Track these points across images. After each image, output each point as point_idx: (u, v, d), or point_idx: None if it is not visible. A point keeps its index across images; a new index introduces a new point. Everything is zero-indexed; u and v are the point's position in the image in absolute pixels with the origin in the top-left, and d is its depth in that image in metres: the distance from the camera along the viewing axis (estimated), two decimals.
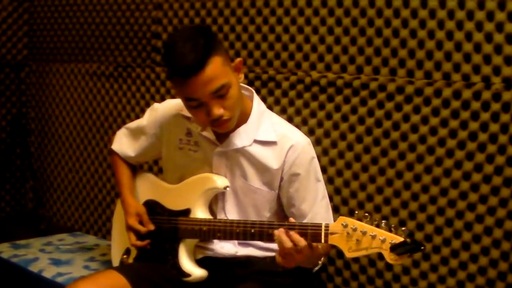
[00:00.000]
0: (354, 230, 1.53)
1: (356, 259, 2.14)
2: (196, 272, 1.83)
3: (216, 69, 1.65)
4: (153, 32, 2.69)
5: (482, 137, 1.88)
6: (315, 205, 1.84)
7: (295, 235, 1.59)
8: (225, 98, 1.68)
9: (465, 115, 1.90)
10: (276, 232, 1.62)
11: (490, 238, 1.89)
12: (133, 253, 1.99)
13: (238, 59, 1.77)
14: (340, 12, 2.12)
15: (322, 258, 1.75)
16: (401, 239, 1.48)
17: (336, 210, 2.17)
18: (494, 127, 1.86)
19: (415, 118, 1.99)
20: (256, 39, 2.35)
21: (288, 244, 1.59)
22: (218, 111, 1.68)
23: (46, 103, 3.20)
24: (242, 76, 1.78)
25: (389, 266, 2.07)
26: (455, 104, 1.91)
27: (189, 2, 2.54)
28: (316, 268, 1.74)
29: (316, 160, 1.87)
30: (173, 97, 2.59)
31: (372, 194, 2.10)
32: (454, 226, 1.95)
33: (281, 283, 1.83)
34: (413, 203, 2.02)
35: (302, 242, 1.58)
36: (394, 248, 1.47)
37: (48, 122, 3.20)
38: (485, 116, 1.87)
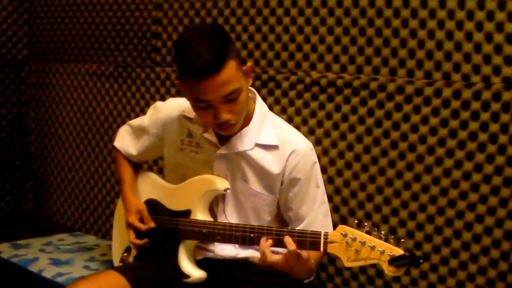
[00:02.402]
0: (353, 240, 1.53)
1: None
2: (196, 273, 1.82)
3: (231, 73, 1.63)
4: (153, 32, 2.69)
5: (482, 137, 1.88)
6: (313, 210, 1.83)
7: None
8: (234, 103, 1.67)
9: (465, 115, 1.90)
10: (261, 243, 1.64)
11: (490, 238, 1.89)
12: (134, 251, 1.99)
13: (249, 64, 1.74)
14: (340, 12, 2.12)
15: (314, 274, 1.75)
16: (400, 251, 1.48)
17: (336, 210, 2.17)
18: (494, 127, 1.86)
19: (415, 118, 1.99)
20: (256, 39, 2.35)
21: (269, 258, 1.62)
22: (226, 115, 1.67)
23: (46, 103, 3.20)
24: (251, 81, 1.76)
25: None
26: (455, 104, 1.91)
27: (189, 2, 2.54)
28: (307, 281, 1.74)
29: (317, 166, 1.86)
30: (173, 96, 2.59)
31: (372, 194, 2.10)
32: (454, 226, 1.95)
33: (281, 284, 1.83)
34: (413, 203, 2.02)
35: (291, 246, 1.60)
36: (392, 261, 1.47)
37: (48, 122, 3.20)
38: (485, 116, 1.87)
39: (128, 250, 2.01)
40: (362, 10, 2.07)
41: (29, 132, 3.29)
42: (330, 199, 2.17)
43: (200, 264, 1.86)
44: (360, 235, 1.53)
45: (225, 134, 1.78)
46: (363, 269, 2.14)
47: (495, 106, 1.85)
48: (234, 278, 1.84)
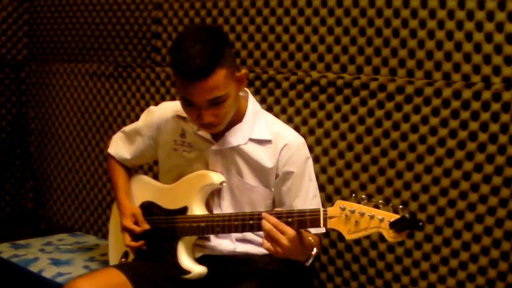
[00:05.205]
0: (352, 212, 1.54)
1: (356, 259, 2.14)
2: (196, 268, 1.83)
3: (219, 81, 1.65)
4: (153, 32, 2.69)
5: (482, 137, 1.88)
6: (306, 203, 1.84)
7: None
8: (219, 107, 1.70)
9: (465, 115, 1.90)
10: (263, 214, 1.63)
11: (490, 238, 1.89)
12: (131, 256, 1.98)
13: (243, 72, 1.76)
14: (340, 12, 2.12)
15: (315, 249, 1.73)
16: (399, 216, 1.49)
17: None
18: (494, 127, 1.86)
19: (415, 118, 1.99)
20: (256, 39, 2.35)
21: (267, 225, 1.59)
22: (208, 118, 1.70)
23: (46, 103, 3.20)
24: (243, 87, 1.79)
25: (389, 266, 2.07)
26: (455, 104, 1.91)
27: (189, 2, 2.54)
28: (310, 261, 1.72)
29: (310, 160, 1.88)
30: (173, 97, 2.60)
31: (372, 194, 2.10)
32: (454, 226, 1.95)
33: (281, 281, 1.83)
34: (413, 203, 2.02)
35: (289, 229, 1.59)
36: (393, 224, 1.48)
37: (48, 122, 3.20)
38: (485, 116, 1.87)
39: (125, 255, 2.00)
40: (362, 10, 2.07)
41: (29, 132, 3.29)
42: (330, 198, 2.18)
43: (199, 261, 1.86)
44: (359, 206, 1.54)
45: (208, 132, 1.81)
46: (363, 268, 2.14)
47: (495, 106, 1.85)
48: (234, 274, 1.85)
